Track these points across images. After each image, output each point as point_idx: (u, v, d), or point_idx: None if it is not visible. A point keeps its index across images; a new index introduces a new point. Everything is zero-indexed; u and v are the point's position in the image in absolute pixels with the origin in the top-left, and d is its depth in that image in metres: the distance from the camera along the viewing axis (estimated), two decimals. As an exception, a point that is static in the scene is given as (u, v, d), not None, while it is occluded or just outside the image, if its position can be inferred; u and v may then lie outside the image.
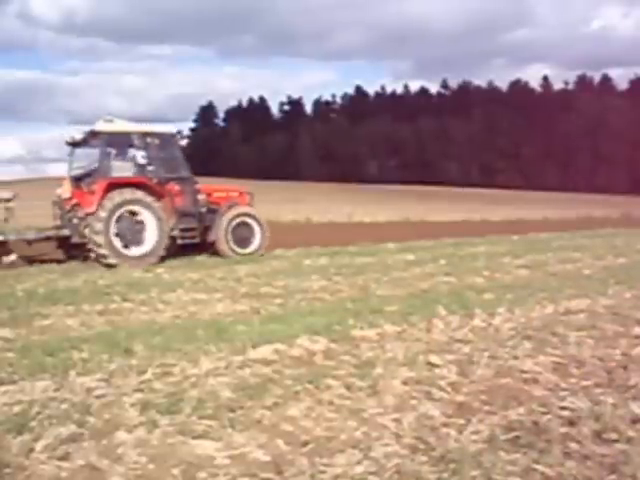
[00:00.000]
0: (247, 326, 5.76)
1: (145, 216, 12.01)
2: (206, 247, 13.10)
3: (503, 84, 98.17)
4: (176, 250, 12.61)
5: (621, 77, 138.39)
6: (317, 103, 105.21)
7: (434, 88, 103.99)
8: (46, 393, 3.93)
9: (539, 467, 2.88)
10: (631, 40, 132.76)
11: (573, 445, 3.10)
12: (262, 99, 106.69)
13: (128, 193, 11.90)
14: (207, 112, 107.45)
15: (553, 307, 6.52)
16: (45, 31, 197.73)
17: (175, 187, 12.83)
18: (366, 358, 4.66)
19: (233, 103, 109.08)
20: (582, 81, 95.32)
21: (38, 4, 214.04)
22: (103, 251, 11.49)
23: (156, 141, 12.76)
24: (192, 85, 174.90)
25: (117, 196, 11.74)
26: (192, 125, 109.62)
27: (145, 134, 12.71)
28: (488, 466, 2.87)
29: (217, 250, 12.99)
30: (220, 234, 12.94)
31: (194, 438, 3.26)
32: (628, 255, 12.16)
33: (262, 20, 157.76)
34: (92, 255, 11.85)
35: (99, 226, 11.47)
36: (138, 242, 11.97)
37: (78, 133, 12.91)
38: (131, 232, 11.89)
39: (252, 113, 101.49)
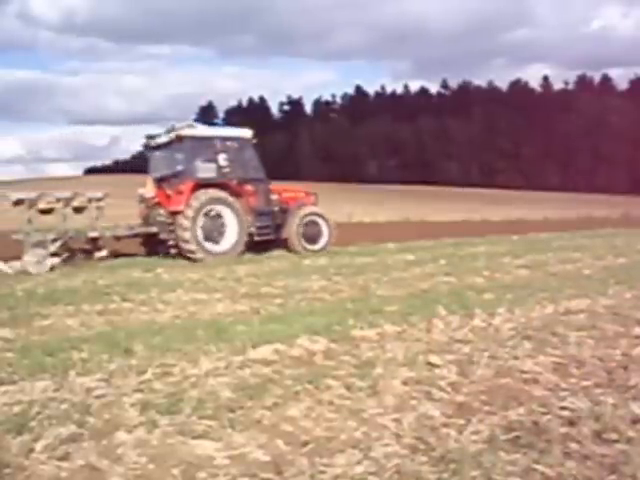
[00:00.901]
0: (247, 326, 5.76)
1: (227, 214, 13.03)
2: (278, 243, 14.08)
3: (503, 84, 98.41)
4: (252, 246, 13.53)
5: (621, 77, 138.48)
6: (317, 103, 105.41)
7: (434, 88, 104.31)
8: (46, 393, 3.93)
9: (539, 467, 2.87)
10: (631, 40, 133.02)
11: (573, 445, 3.10)
12: (262, 99, 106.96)
13: (212, 193, 12.90)
14: (207, 112, 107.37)
15: (553, 307, 6.52)
16: (45, 31, 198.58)
17: (251, 187, 13.83)
18: (366, 358, 4.66)
19: (233, 103, 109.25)
20: (582, 81, 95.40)
21: (38, 4, 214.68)
22: (190, 246, 12.45)
23: (235, 144, 13.84)
24: (192, 85, 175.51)
25: (202, 196, 12.72)
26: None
27: (225, 138, 13.86)
28: (488, 466, 2.87)
29: (289, 246, 13.95)
30: (292, 232, 13.92)
31: (194, 438, 3.26)
32: (628, 255, 12.15)
33: (262, 20, 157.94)
34: (172, 251, 12.93)
35: (186, 223, 12.43)
36: (220, 239, 12.98)
37: (161, 137, 13.85)
38: (214, 229, 12.88)
39: (252, 113, 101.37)
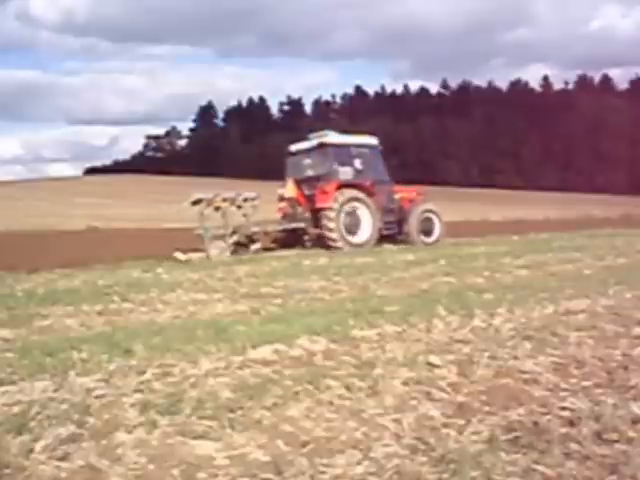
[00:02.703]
0: (247, 326, 5.75)
1: (362, 211, 15.10)
2: (397, 237, 16.12)
3: (503, 84, 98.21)
4: (380, 239, 15.53)
5: (621, 77, 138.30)
6: (317, 103, 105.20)
7: (434, 88, 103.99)
8: (45, 393, 3.92)
9: (539, 467, 2.87)
10: (631, 40, 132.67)
11: (573, 445, 3.09)
12: (262, 99, 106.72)
13: (351, 192, 15.03)
14: (207, 112, 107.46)
15: (553, 307, 6.51)
16: (44, 31, 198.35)
17: (380, 188, 15.84)
18: (366, 358, 4.65)
19: (233, 103, 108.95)
20: (582, 81, 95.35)
21: (37, 4, 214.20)
22: (335, 238, 14.49)
23: (366, 150, 16.09)
24: (192, 85, 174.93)
25: (344, 194, 14.84)
26: (192, 125, 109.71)
27: (358, 145, 16.13)
28: (488, 466, 2.86)
29: (408, 240, 15.91)
30: (412, 227, 16.01)
31: (194, 438, 3.25)
32: (628, 255, 12.14)
33: (262, 20, 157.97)
34: (308, 244, 15.14)
35: (332, 218, 14.47)
36: (357, 232, 15.01)
37: (301, 144, 16.38)
38: (353, 224, 14.93)
39: (252, 113, 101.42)
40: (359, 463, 2.96)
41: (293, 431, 3.33)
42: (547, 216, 32.23)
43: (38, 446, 3.14)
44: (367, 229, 15.13)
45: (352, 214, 14.92)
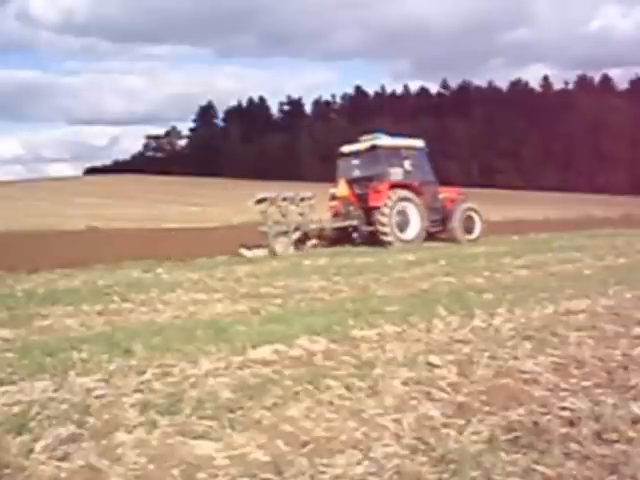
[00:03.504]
0: (247, 326, 5.75)
1: (411, 210, 15.90)
2: (441, 235, 16.90)
3: (503, 84, 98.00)
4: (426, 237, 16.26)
5: (621, 77, 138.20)
6: (317, 103, 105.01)
7: (434, 88, 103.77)
8: (45, 393, 3.93)
9: (539, 467, 2.87)
10: (631, 40, 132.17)
11: (573, 446, 3.09)
12: (262, 99, 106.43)
13: (401, 192, 15.80)
14: (207, 112, 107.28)
15: (553, 307, 6.51)
16: (44, 31, 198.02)
17: (426, 188, 16.63)
18: (366, 358, 4.66)
19: (233, 103, 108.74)
20: (582, 81, 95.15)
21: (37, 4, 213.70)
22: (387, 235, 15.26)
23: (414, 152, 16.95)
24: (192, 85, 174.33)
25: (395, 194, 15.62)
26: (192, 125, 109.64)
27: (407, 147, 16.93)
28: (488, 467, 2.86)
29: (452, 237, 16.61)
30: (456, 225, 16.71)
31: (194, 438, 3.26)
32: (628, 255, 12.13)
33: (262, 20, 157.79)
34: (358, 240, 15.84)
35: (385, 216, 15.28)
36: (407, 229, 15.80)
37: (352, 146, 16.90)
38: (403, 221, 15.74)
39: (252, 113, 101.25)
40: (359, 463, 2.97)
41: (293, 431, 3.34)
42: (547, 216, 32.15)
43: (38, 446, 3.14)
44: (415, 227, 15.90)
45: (402, 213, 15.72)
